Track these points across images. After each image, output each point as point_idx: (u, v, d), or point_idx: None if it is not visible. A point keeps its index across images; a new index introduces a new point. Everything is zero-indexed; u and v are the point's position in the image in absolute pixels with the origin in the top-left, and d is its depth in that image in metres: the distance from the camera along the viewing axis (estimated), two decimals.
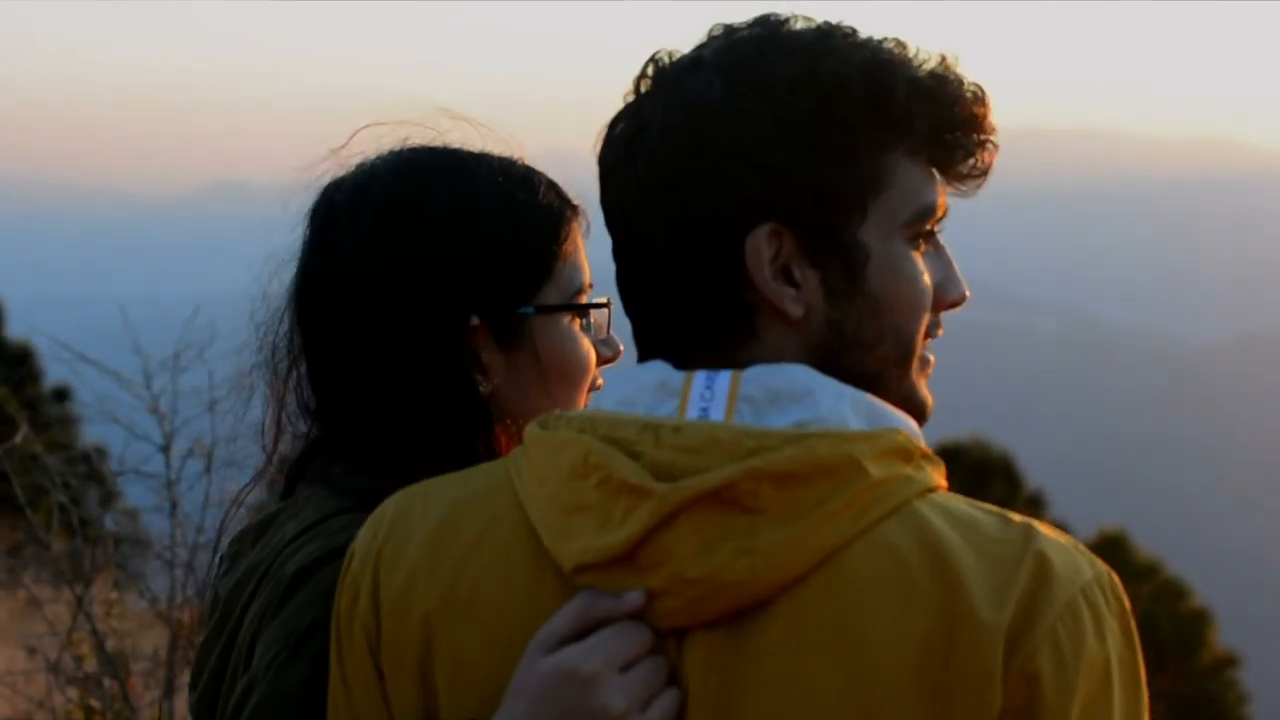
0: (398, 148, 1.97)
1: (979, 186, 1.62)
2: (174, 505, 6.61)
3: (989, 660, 1.45)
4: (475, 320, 1.71)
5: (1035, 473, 26.25)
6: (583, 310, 1.89)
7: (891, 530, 1.48)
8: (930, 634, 1.45)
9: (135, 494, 8.31)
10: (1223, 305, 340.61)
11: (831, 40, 1.57)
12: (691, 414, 1.54)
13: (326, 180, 1.87)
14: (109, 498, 8.54)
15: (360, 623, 1.65)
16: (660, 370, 1.59)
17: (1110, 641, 1.50)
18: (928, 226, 1.62)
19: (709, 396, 1.54)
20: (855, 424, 1.52)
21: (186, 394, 6.79)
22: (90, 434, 11.02)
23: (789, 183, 1.53)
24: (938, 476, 1.56)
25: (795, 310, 1.55)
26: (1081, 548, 1.54)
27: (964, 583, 1.46)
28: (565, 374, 1.78)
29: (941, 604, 1.46)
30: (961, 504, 1.55)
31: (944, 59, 1.59)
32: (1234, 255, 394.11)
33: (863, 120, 1.55)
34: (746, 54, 1.56)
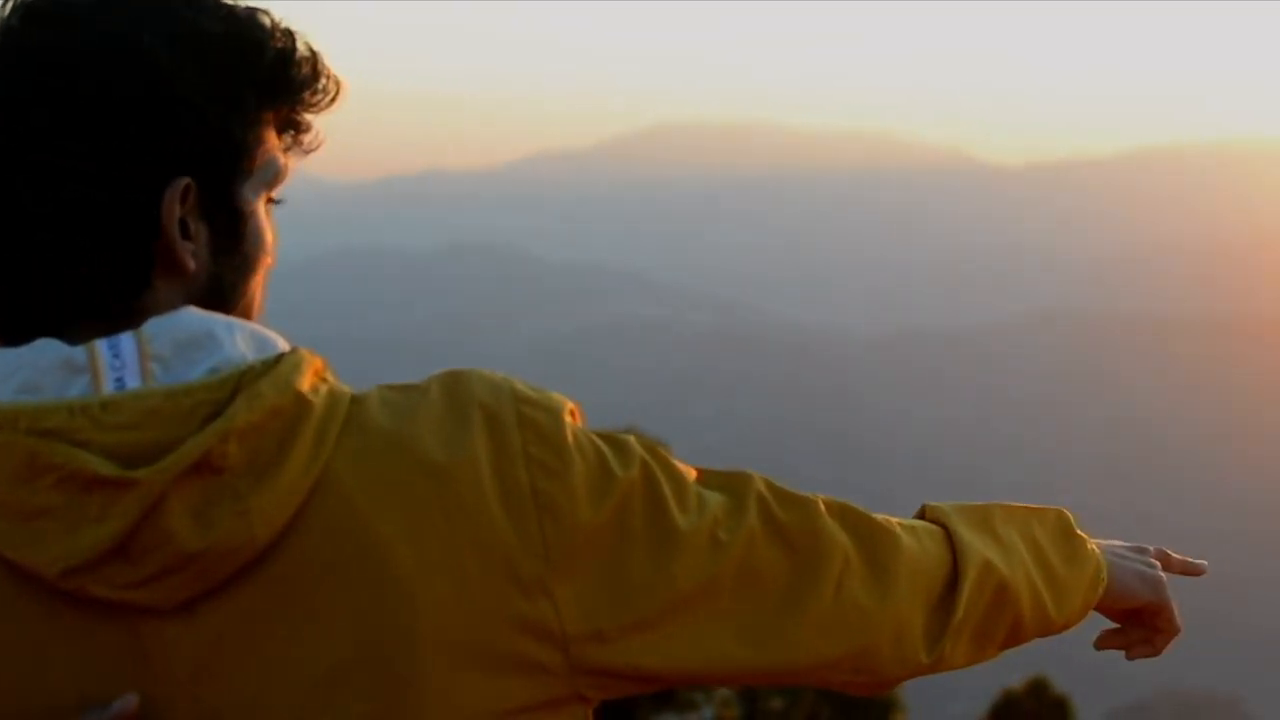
0: None
1: (311, 151, 1.66)
2: None
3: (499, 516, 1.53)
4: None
5: (691, 464, 25.37)
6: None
7: (354, 444, 1.52)
8: (444, 522, 1.51)
9: None
10: (881, 299, 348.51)
11: (204, 2, 1.57)
12: (110, 387, 1.48)
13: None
14: None
15: None
16: (54, 348, 1.50)
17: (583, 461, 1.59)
18: (278, 189, 1.66)
19: (120, 365, 1.49)
20: (252, 356, 1.52)
21: None
22: None
23: (191, 139, 1.53)
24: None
25: (190, 264, 1.55)
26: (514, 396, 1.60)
27: (438, 459, 1.52)
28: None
29: (436, 490, 1.52)
30: (387, 394, 1.59)
31: (293, 31, 1.62)
32: (892, 249, 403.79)
33: (245, 81, 1.57)
34: (148, 11, 1.54)
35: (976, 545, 1.92)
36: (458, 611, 1.51)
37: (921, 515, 1.97)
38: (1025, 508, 2.06)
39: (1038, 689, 31.64)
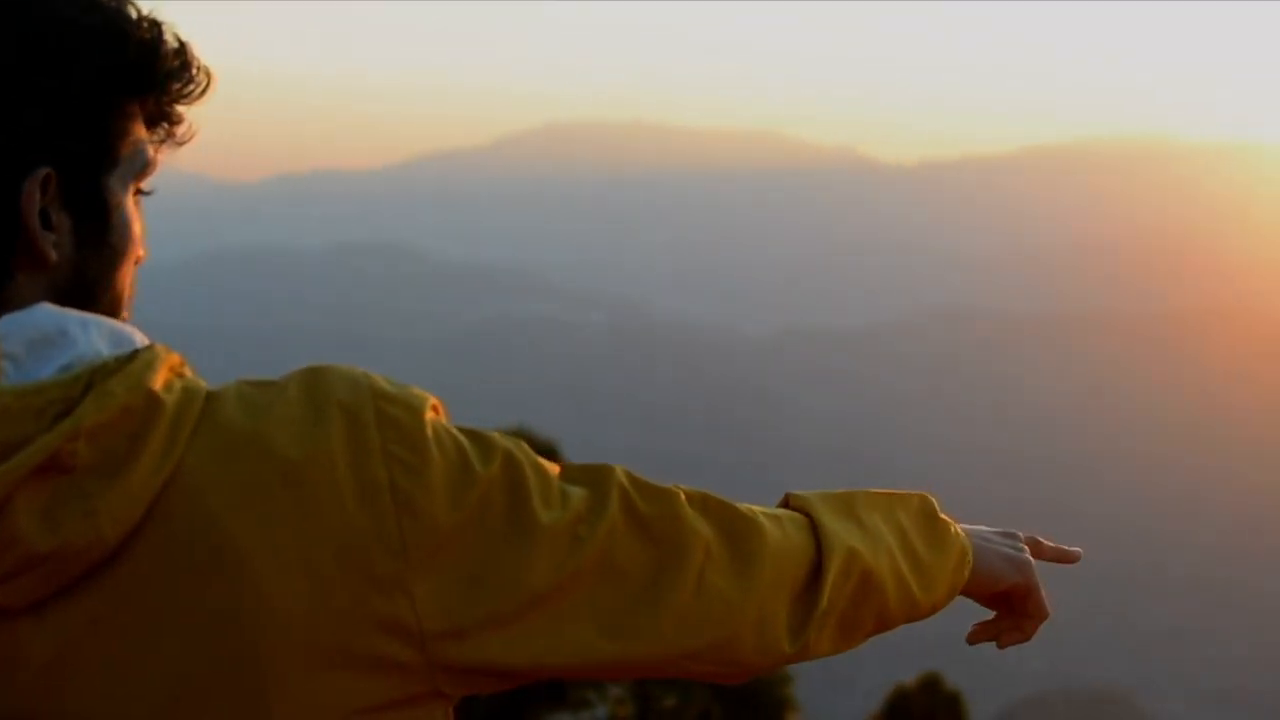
0: None
1: (183, 143, 1.61)
2: None
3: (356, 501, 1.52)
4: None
5: (587, 463, 25.12)
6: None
7: (207, 443, 1.50)
8: (299, 521, 1.49)
9: None
10: (772, 297, 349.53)
11: None
12: None
13: None
14: None
15: None
16: None
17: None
18: (147, 181, 1.64)
19: None
20: (108, 352, 1.49)
21: None
22: None
23: (51, 128, 1.50)
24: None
25: (52, 255, 1.53)
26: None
27: (293, 457, 1.50)
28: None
29: (291, 489, 1.50)
30: (244, 390, 1.57)
31: (160, 22, 1.60)
32: (783, 248, 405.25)
33: (108, 70, 1.54)
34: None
35: (840, 533, 1.92)
36: (314, 611, 1.49)
37: (786, 504, 1.98)
38: (889, 493, 2.08)
39: (930, 685, 31.46)
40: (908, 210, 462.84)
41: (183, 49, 1.61)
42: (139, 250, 1.63)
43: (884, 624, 2.01)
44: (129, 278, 1.63)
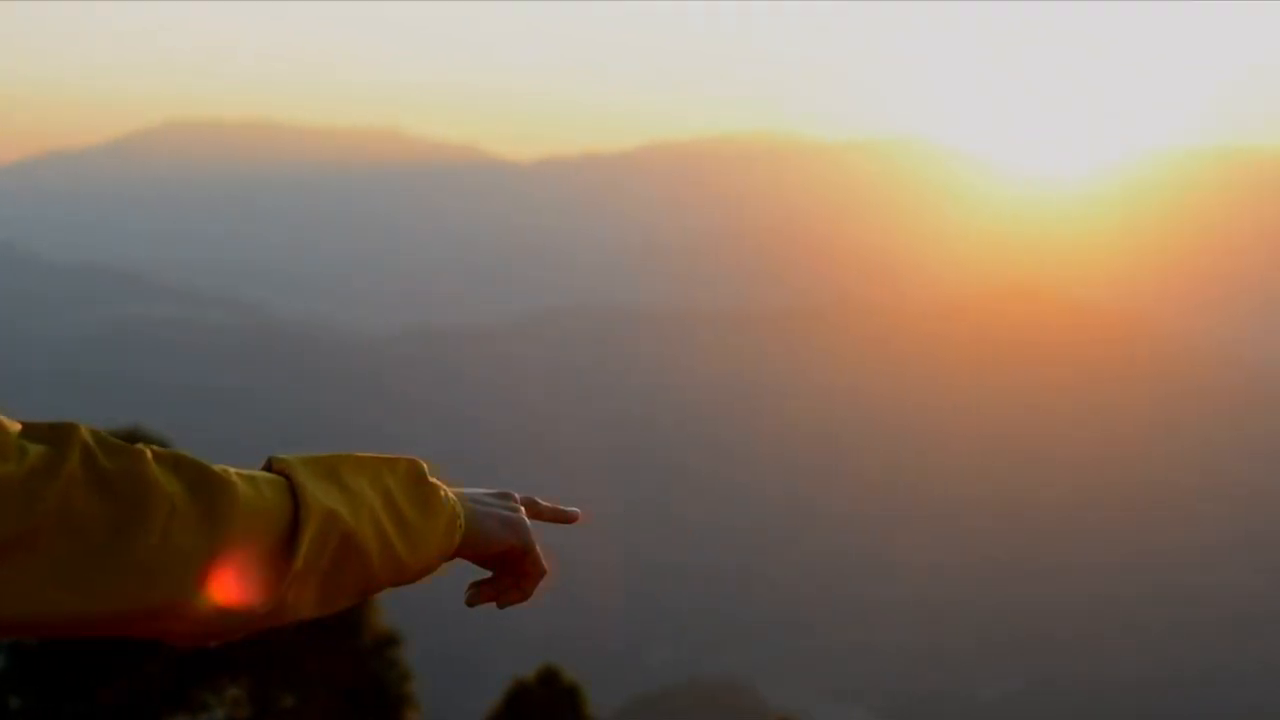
0: None
1: None
2: None
3: None
4: None
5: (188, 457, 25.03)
6: None
7: None
8: None
9: None
10: (393, 296, 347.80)
11: None
12: None
13: None
14: None
15: None
16: None
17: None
18: None
19: None
20: None
21: None
22: None
23: None
24: None
25: None
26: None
27: None
28: None
29: None
30: None
31: None
32: (405, 246, 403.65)
33: None
34: None
35: (320, 495, 1.95)
36: None
37: (269, 468, 2.01)
38: (377, 457, 2.16)
39: (549, 678, 32.02)
40: (532, 208, 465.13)
41: None
42: None
43: (370, 585, 2.05)
44: None
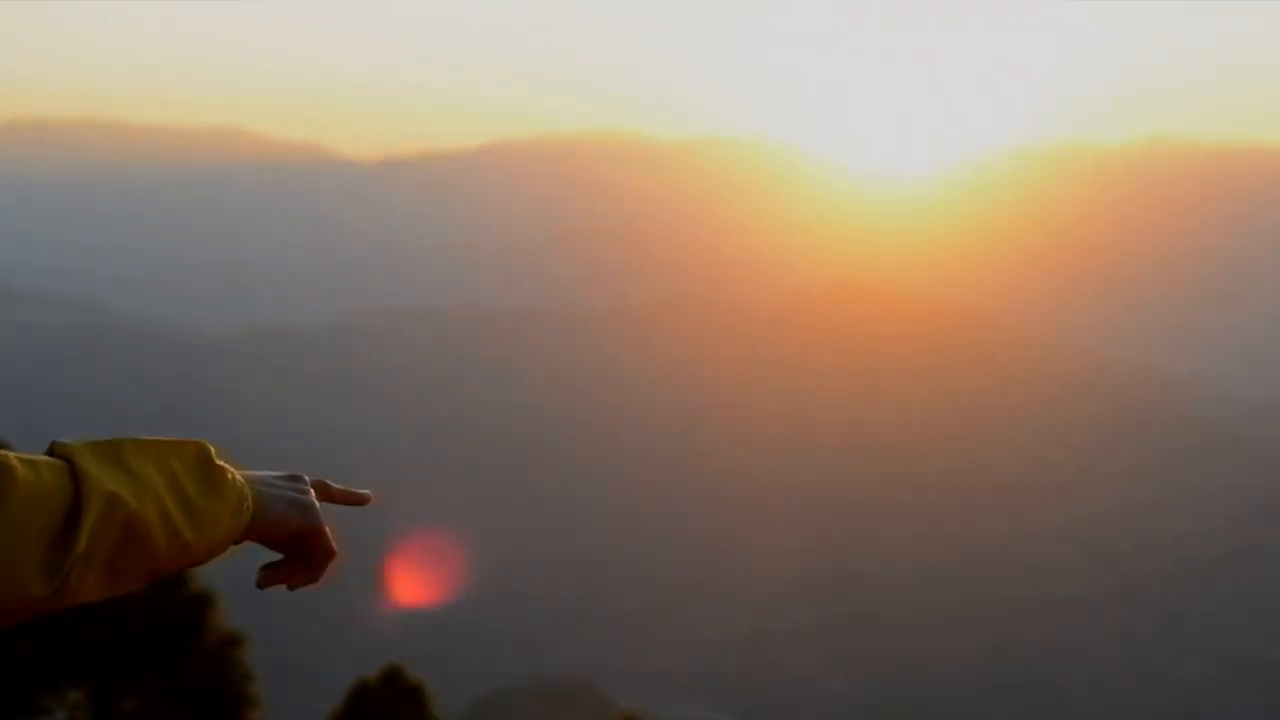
0: None
1: None
2: None
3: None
4: None
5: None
6: None
7: None
8: None
9: None
10: (232, 296, 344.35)
11: None
12: None
13: None
14: None
15: None
16: None
17: None
18: None
19: None
20: None
21: None
22: None
23: None
24: None
25: None
26: None
27: None
28: None
29: None
30: None
31: None
32: (244, 246, 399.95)
33: None
34: None
35: (102, 478, 1.93)
36: None
37: (51, 453, 1.98)
38: (163, 440, 2.11)
39: (393, 677, 32.15)
40: (374, 207, 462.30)
41: None
42: None
43: (156, 567, 2.04)
44: None
